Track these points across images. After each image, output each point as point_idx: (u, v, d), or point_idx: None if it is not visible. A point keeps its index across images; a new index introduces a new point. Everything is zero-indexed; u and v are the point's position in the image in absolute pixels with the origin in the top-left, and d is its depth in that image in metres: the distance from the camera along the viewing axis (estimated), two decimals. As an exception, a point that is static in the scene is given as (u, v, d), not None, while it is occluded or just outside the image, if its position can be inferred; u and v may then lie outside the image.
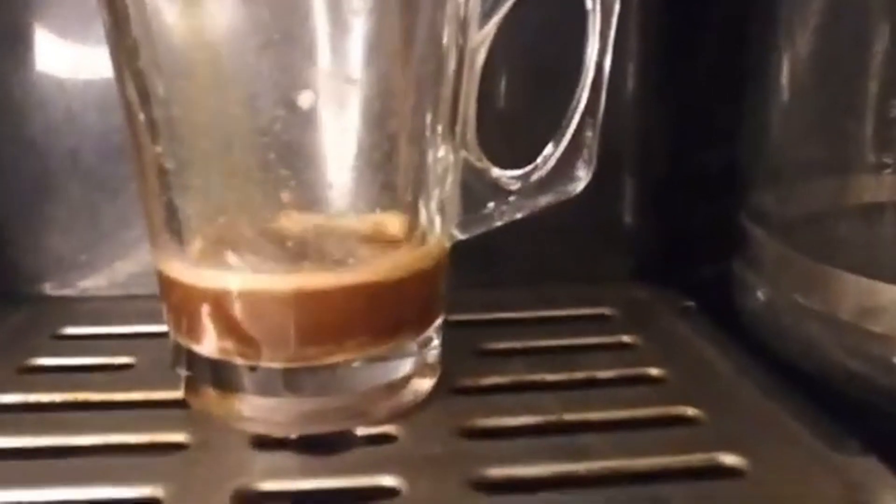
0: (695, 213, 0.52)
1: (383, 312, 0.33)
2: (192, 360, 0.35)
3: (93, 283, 0.49)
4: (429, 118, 0.32)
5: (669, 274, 0.51)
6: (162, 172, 0.32)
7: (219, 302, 0.32)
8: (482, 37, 0.33)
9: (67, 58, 0.47)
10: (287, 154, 0.30)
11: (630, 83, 0.50)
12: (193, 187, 0.32)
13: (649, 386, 0.38)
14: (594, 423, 0.35)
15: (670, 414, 0.35)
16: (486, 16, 0.34)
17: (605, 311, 0.46)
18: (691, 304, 0.47)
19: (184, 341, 0.35)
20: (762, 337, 0.41)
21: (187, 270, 0.33)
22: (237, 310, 0.32)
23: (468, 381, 0.38)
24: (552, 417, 0.35)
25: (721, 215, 0.49)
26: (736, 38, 0.48)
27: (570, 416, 0.35)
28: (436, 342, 0.36)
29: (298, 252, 0.31)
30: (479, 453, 0.32)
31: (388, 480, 0.30)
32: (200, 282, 0.32)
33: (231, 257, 0.31)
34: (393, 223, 0.33)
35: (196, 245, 0.32)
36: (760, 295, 0.42)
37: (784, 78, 0.44)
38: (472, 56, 0.33)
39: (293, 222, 0.31)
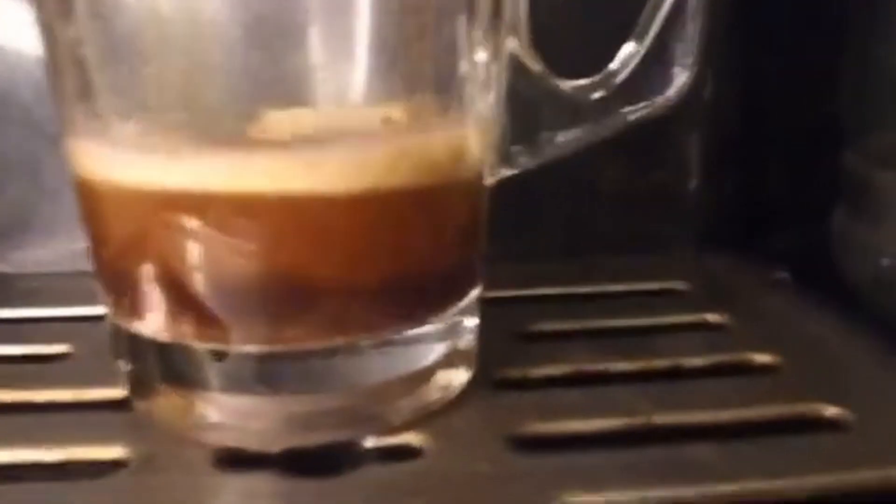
0: (771, 173, 0.42)
1: (404, 257, 0.23)
2: (137, 347, 0.25)
3: (30, 256, 0.39)
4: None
5: (742, 243, 0.41)
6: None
7: (162, 221, 0.22)
8: None
9: None
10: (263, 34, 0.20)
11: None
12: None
13: (759, 377, 0.28)
14: (696, 427, 0.25)
15: (797, 413, 0.25)
16: None
17: (677, 285, 0.37)
18: (784, 274, 0.37)
19: (124, 320, 0.25)
20: (876, 301, 0.32)
21: (115, 159, 0.23)
22: (191, 232, 0.22)
23: (514, 372, 0.28)
24: (638, 420, 0.25)
25: (800, 175, 0.39)
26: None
27: (662, 419, 0.25)
28: (472, 321, 0.26)
29: (284, 142, 0.21)
30: (540, 474, 0.22)
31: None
32: (134, 178, 0.23)
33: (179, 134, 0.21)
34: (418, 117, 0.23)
35: (128, 127, 0.22)
36: (869, 250, 0.32)
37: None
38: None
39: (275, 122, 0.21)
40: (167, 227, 0.22)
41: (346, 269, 0.23)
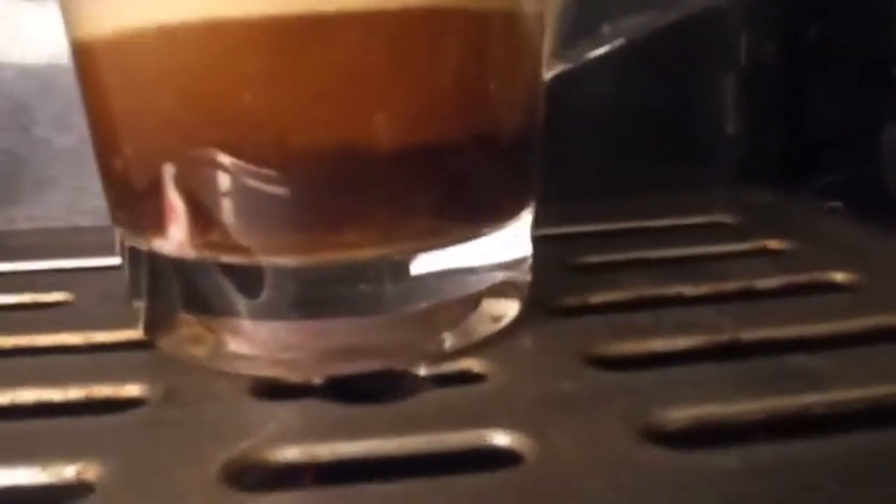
0: (813, 105, 0.40)
1: (465, 113, 0.20)
2: (155, 273, 0.22)
3: (22, 212, 0.36)
4: None
5: (784, 183, 0.39)
6: None
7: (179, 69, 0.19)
8: None
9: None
10: None
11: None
12: None
13: (839, 294, 0.25)
14: (788, 341, 0.22)
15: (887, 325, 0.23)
16: None
17: (724, 218, 0.34)
18: (837, 203, 0.34)
19: (138, 238, 0.22)
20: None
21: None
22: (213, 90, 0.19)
23: (572, 300, 0.25)
24: (724, 337, 0.22)
25: (845, 103, 0.37)
26: None
27: (749, 335, 0.22)
28: (525, 248, 0.24)
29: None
30: (634, 390, 0.19)
31: (497, 438, 0.17)
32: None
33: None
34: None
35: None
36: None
37: None
38: None
39: None
40: (182, 87, 0.19)
41: (401, 126, 0.19)
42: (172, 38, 0.19)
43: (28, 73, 0.35)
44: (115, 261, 0.29)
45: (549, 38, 0.22)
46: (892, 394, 0.18)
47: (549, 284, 0.25)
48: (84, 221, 0.36)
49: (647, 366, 0.21)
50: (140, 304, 0.23)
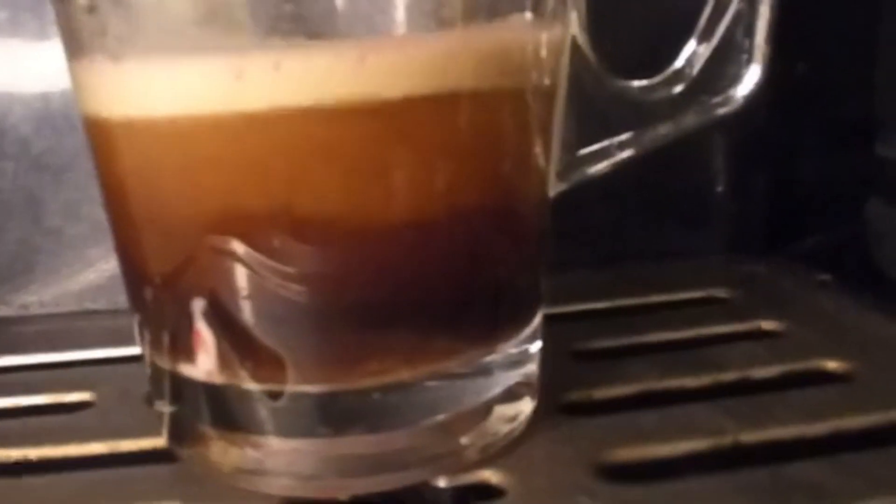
0: (800, 173, 0.41)
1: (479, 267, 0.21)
2: (181, 388, 0.23)
3: (35, 299, 0.37)
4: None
5: (771, 247, 0.40)
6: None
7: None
8: None
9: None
10: None
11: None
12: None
13: (835, 386, 0.26)
14: (788, 443, 0.23)
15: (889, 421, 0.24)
16: None
17: (719, 292, 0.35)
18: (826, 276, 0.36)
19: (165, 361, 0.23)
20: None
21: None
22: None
23: (578, 395, 0.26)
24: (726, 441, 0.23)
25: (831, 172, 0.38)
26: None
27: (749, 437, 0.23)
28: (536, 346, 0.25)
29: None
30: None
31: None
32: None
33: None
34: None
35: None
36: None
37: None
38: None
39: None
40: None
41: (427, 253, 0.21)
42: (184, 130, 0.20)
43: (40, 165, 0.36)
44: (132, 350, 0.30)
45: (552, 158, 0.23)
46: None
47: (556, 376, 0.26)
48: (96, 307, 0.37)
49: (655, 475, 0.22)
50: (162, 408, 0.24)
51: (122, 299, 0.36)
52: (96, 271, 0.37)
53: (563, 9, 0.22)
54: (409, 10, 0.19)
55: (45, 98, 0.36)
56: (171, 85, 0.20)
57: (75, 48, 0.22)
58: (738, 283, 0.36)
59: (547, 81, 0.22)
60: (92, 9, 0.21)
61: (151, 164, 0.21)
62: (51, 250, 0.37)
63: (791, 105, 0.40)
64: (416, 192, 0.21)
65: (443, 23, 0.20)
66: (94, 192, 0.35)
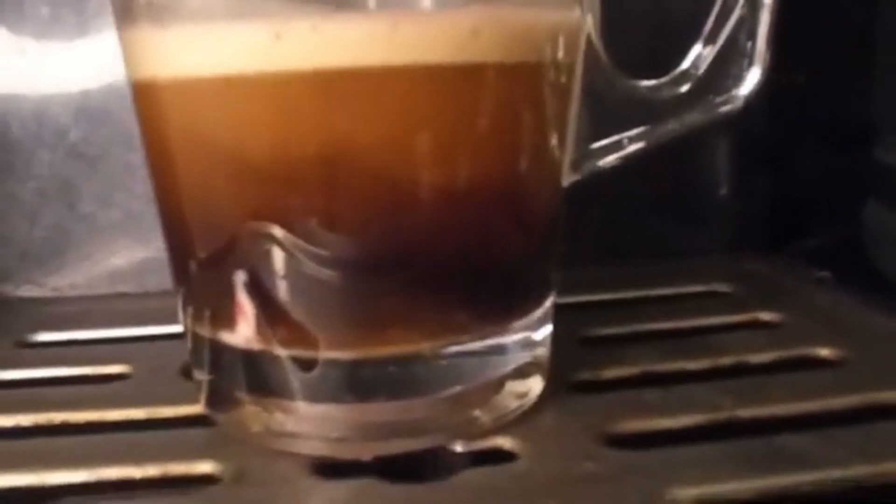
0: (800, 173, 0.43)
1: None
2: (219, 356, 0.25)
3: (66, 282, 0.39)
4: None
5: (773, 246, 0.42)
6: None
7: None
8: None
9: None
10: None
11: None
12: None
13: (830, 370, 0.28)
14: (780, 419, 0.25)
15: (872, 402, 0.26)
16: None
17: (721, 286, 0.37)
18: (825, 273, 0.37)
19: (205, 329, 0.24)
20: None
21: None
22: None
23: (585, 375, 0.28)
24: (723, 415, 0.25)
25: (830, 173, 0.40)
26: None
27: (746, 412, 0.25)
28: (547, 328, 0.26)
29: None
30: (648, 468, 0.22)
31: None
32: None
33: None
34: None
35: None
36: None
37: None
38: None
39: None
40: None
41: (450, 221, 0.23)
42: (227, 88, 0.22)
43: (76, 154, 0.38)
44: (164, 329, 0.32)
45: (567, 148, 0.25)
46: (872, 474, 0.21)
47: (566, 358, 0.28)
48: (126, 290, 0.39)
49: (657, 444, 0.24)
50: (201, 376, 0.26)
51: (150, 283, 0.38)
52: (126, 256, 0.39)
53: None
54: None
55: (83, 91, 0.38)
56: (214, 47, 0.22)
57: (124, 16, 0.24)
58: (740, 278, 0.38)
59: (566, 61, 0.24)
60: None
61: (194, 124, 0.23)
62: (83, 236, 0.39)
63: (791, 108, 0.41)
64: (443, 160, 0.22)
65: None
66: (127, 181, 0.37)
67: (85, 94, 0.38)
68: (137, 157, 0.37)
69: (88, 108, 0.38)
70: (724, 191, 0.43)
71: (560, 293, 0.33)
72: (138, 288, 0.39)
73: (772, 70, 0.25)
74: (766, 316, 0.33)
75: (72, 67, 0.38)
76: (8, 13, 0.37)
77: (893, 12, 0.37)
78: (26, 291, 0.39)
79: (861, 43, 0.38)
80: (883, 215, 0.37)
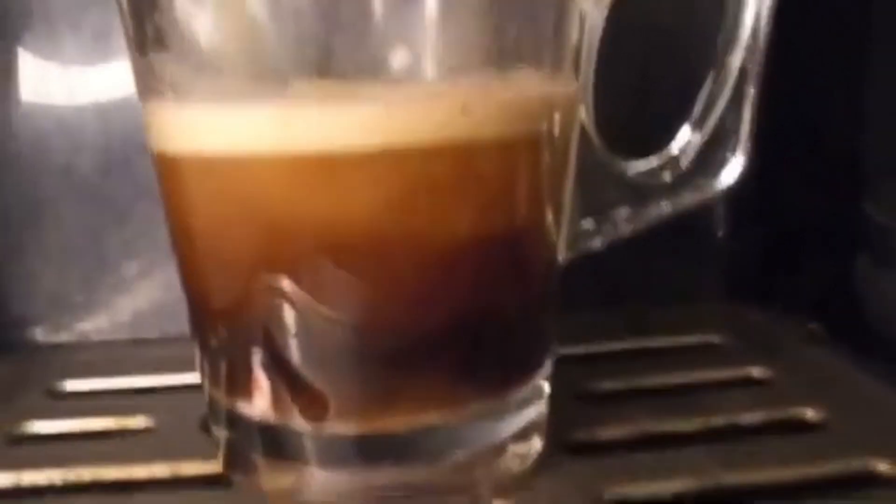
0: (792, 225, 0.44)
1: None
2: (236, 421, 0.27)
3: (92, 326, 0.41)
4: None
5: (765, 294, 0.43)
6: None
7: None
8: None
9: (58, 62, 0.39)
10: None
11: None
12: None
13: (813, 434, 0.30)
14: (761, 487, 0.26)
15: (851, 470, 0.27)
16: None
17: (714, 338, 0.38)
18: (815, 325, 0.39)
19: (223, 398, 0.26)
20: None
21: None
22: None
23: (581, 435, 0.30)
24: (709, 482, 0.26)
25: (822, 225, 0.41)
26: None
27: (730, 478, 0.27)
28: (545, 389, 0.28)
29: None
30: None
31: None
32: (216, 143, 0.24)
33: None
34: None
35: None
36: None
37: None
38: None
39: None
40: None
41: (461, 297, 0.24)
42: (248, 167, 0.24)
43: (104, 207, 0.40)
44: (184, 378, 0.34)
45: (563, 230, 0.27)
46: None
47: (562, 417, 0.30)
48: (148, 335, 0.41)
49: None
50: (219, 433, 0.27)
51: (170, 328, 0.40)
52: (148, 303, 0.41)
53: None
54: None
55: (107, 147, 0.40)
56: (226, 127, 0.24)
57: (143, 91, 0.26)
58: (732, 329, 0.39)
59: (560, 136, 0.25)
60: (155, 58, 0.25)
61: (206, 195, 0.25)
62: (109, 283, 0.41)
63: (783, 162, 0.43)
64: (440, 235, 0.24)
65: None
66: (150, 230, 0.39)
67: (109, 149, 0.40)
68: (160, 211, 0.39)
69: (114, 162, 0.40)
70: (717, 239, 0.44)
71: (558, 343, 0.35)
72: (161, 333, 0.41)
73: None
74: (756, 372, 0.35)
75: (98, 125, 0.40)
76: (36, 63, 0.39)
77: (885, 66, 0.38)
78: (54, 337, 0.40)
79: (854, 96, 0.40)
80: (871, 271, 0.38)
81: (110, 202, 0.40)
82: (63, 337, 0.41)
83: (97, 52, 0.39)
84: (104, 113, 0.40)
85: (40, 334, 0.41)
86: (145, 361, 0.37)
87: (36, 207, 0.40)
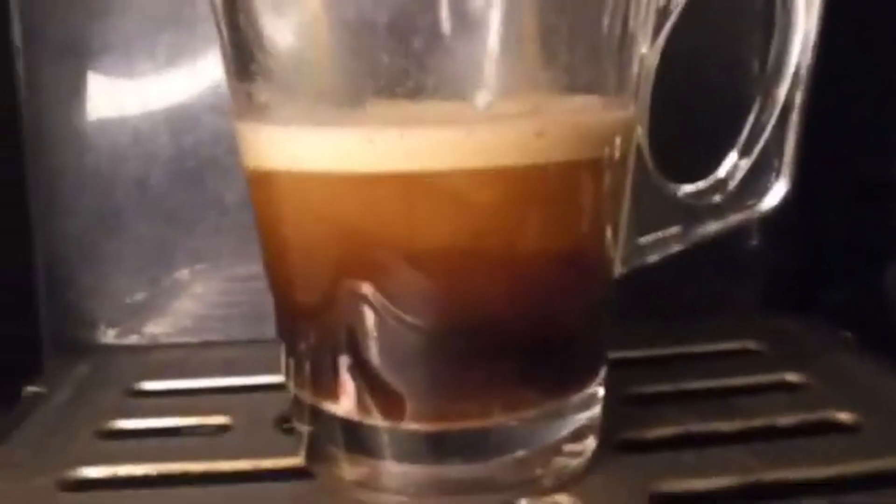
0: (827, 233, 0.46)
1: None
2: (319, 418, 0.29)
3: (160, 329, 0.43)
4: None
5: (801, 302, 0.45)
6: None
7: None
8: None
9: (132, 76, 0.42)
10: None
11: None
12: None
13: (847, 436, 0.32)
14: (801, 484, 0.29)
15: (883, 469, 0.30)
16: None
17: (751, 345, 0.41)
18: (848, 334, 0.41)
19: (308, 397, 0.29)
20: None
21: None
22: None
23: (631, 434, 0.32)
24: (750, 478, 0.29)
25: (856, 232, 0.43)
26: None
27: (770, 476, 0.29)
28: (601, 392, 0.30)
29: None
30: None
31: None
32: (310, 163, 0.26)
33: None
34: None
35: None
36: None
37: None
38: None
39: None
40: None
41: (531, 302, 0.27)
42: (333, 184, 0.26)
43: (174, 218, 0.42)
44: (256, 379, 0.37)
45: (620, 247, 0.29)
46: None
47: (612, 417, 0.32)
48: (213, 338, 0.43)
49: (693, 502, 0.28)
50: (301, 429, 0.30)
51: (232, 332, 0.42)
52: (212, 307, 0.44)
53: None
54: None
55: (179, 159, 0.42)
56: (315, 148, 0.26)
57: (239, 113, 0.28)
58: (769, 337, 0.41)
59: (620, 158, 0.27)
60: (252, 86, 0.27)
61: (296, 210, 0.28)
62: (176, 289, 0.43)
63: (819, 173, 0.45)
64: (511, 252, 0.26)
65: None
66: (216, 241, 0.42)
67: (181, 164, 0.42)
68: (226, 221, 0.42)
69: (183, 174, 0.43)
70: (753, 248, 0.46)
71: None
72: (225, 337, 0.43)
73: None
74: (791, 377, 0.37)
75: (173, 141, 0.42)
76: (111, 81, 0.42)
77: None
78: (124, 340, 0.43)
79: (887, 116, 0.41)
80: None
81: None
82: (133, 340, 0.43)
83: (170, 70, 0.42)
84: (175, 124, 0.42)
85: (112, 337, 0.43)
86: (214, 363, 0.40)
87: (109, 218, 0.43)
